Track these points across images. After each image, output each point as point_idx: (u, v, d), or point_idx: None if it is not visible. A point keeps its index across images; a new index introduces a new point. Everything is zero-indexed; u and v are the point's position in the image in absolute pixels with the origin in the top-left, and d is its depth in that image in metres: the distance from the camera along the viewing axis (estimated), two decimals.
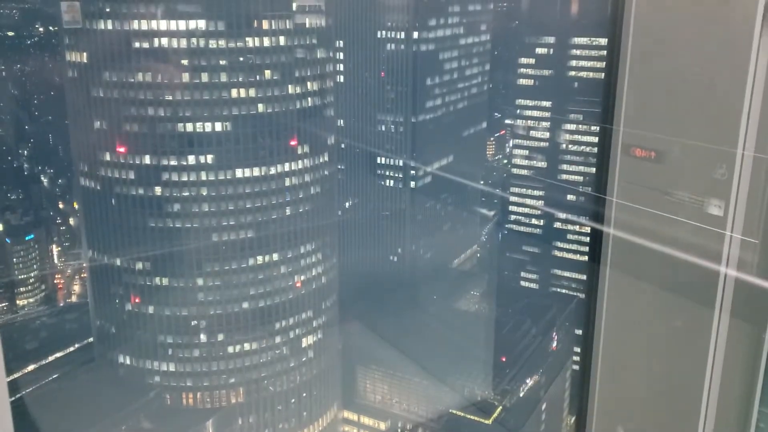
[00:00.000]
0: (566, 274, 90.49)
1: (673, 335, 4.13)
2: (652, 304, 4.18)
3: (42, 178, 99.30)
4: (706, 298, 3.81)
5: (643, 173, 4.01)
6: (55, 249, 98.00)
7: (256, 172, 60.94)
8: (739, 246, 3.60)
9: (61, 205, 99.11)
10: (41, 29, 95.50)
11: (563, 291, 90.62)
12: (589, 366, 4.75)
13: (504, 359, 77.12)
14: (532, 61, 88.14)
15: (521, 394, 76.55)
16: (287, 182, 62.78)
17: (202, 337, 62.92)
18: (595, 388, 4.62)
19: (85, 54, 58.15)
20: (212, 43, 57.53)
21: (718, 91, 3.68)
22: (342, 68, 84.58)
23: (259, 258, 62.92)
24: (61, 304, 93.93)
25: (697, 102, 3.75)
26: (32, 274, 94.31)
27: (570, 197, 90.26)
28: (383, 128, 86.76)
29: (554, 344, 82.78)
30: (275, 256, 63.68)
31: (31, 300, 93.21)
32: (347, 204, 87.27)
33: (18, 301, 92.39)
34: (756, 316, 3.77)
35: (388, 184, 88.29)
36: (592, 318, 4.64)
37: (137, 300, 62.22)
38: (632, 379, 4.40)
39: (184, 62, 57.75)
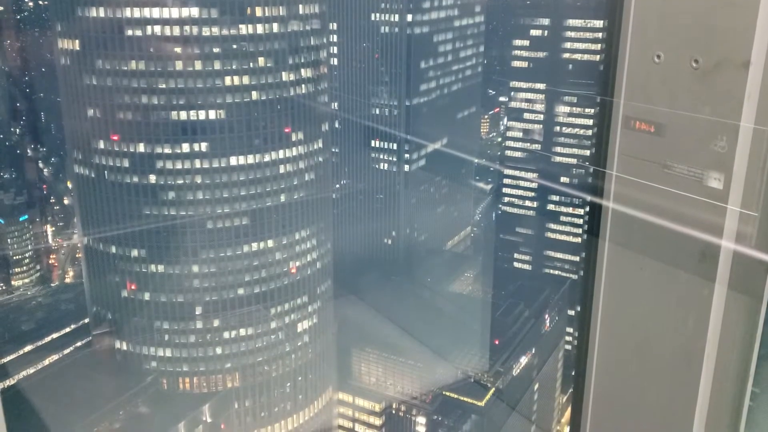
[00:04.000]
0: (559, 255, 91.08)
1: (670, 308, 4.38)
2: (650, 277, 4.42)
3: (35, 157, 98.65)
4: (704, 271, 4.05)
5: (643, 147, 4.22)
6: (49, 229, 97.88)
7: (250, 159, 60.86)
8: (738, 219, 3.83)
9: (55, 185, 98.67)
10: (30, 3, 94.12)
11: (556, 272, 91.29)
12: (586, 340, 5.02)
13: (497, 342, 77.90)
14: (526, 42, 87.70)
15: (514, 375, 77.48)
16: (281, 169, 62.75)
17: (198, 323, 63.36)
18: (592, 362, 4.90)
19: (77, 41, 57.62)
20: (205, 31, 57.04)
21: (719, 62, 3.88)
22: (336, 51, 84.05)
23: (254, 245, 63.14)
24: (57, 285, 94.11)
25: (698, 74, 3.96)
26: (27, 255, 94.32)
27: (564, 178, 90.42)
28: (377, 111, 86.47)
29: (547, 325, 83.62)
30: (270, 243, 63.90)
31: (26, 280, 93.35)
32: (338, 185, 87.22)
33: (13, 282, 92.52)
34: (754, 289, 4.03)
35: (382, 167, 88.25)
36: (590, 292, 4.89)
37: (133, 287, 62.49)
38: (629, 351, 4.67)
39: (178, 50, 57.30)
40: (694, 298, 4.02)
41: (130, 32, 56.18)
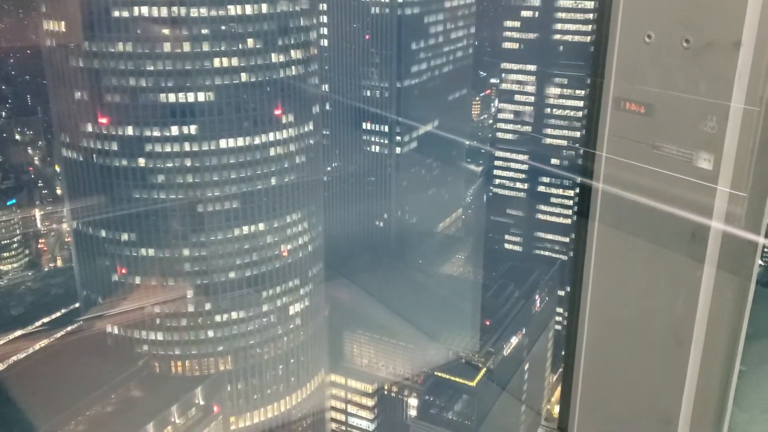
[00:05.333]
0: (549, 236, 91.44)
1: (660, 288, 4.41)
2: (640, 257, 4.44)
3: (22, 141, 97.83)
4: (694, 251, 4.08)
5: (633, 127, 4.22)
6: (38, 213, 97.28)
7: (240, 142, 60.49)
8: (728, 199, 3.86)
9: (43, 169, 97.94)
10: None
11: (546, 253, 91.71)
12: (576, 320, 5.04)
13: (488, 322, 78.35)
14: (517, 24, 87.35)
15: (505, 355, 78.03)
16: (272, 152, 62.42)
17: (190, 307, 63.32)
18: (582, 342, 4.93)
19: (63, 23, 56.86)
20: (194, 12, 56.37)
21: (709, 42, 3.86)
22: (326, 32, 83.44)
23: (245, 228, 62.97)
24: (46, 269, 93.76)
25: (689, 54, 3.94)
26: (15, 239, 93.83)
27: (554, 160, 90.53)
28: (369, 93, 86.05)
29: (537, 305, 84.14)
30: (261, 226, 63.74)
31: (15, 265, 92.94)
32: (329, 168, 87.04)
33: (2, 266, 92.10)
34: (743, 269, 4.07)
35: (373, 150, 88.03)
36: (579, 273, 4.91)
37: (124, 271, 62.30)
38: (619, 331, 4.71)
39: (165, 31, 56.66)
40: (684, 278, 4.02)
41: (117, 13, 55.46)
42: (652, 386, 4.34)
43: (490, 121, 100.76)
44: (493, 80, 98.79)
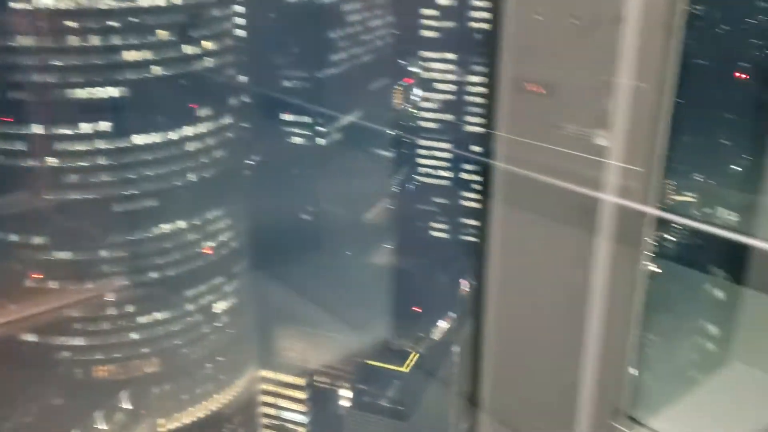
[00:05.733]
0: (474, 222, 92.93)
1: (559, 261, 4.50)
2: (540, 233, 4.53)
3: None
4: (591, 225, 4.16)
5: (532, 108, 4.25)
6: None
7: (155, 138, 58.74)
8: (623, 174, 3.95)
9: None
10: None
11: (472, 239, 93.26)
12: (481, 296, 5.12)
13: (417, 309, 79.34)
14: (435, 12, 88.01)
15: (435, 340, 79.26)
16: (189, 147, 60.93)
17: (111, 310, 61.33)
18: (488, 317, 5.00)
19: None
20: (101, 4, 54.24)
21: (593, 17, 3.88)
22: (243, 23, 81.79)
23: (164, 226, 61.32)
24: None
25: (579, 31, 3.96)
26: None
27: (475, 147, 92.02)
28: (289, 84, 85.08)
29: (464, 289, 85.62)
30: (181, 224, 62.22)
31: None
32: (251, 162, 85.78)
33: None
34: (636, 241, 4.17)
35: (296, 141, 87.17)
36: (484, 250, 4.98)
37: (38, 275, 59.66)
38: (522, 305, 4.79)
39: (72, 24, 54.25)
40: (582, 251, 4.07)
41: (14, 5, 52.70)
42: (556, 355, 4.41)
43: (411, 110, 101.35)
44: (412, 69, 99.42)
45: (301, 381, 76.58)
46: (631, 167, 3.99)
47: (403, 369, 74.90)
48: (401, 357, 76.12)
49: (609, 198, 4.07)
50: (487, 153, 4.76)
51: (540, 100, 4.22)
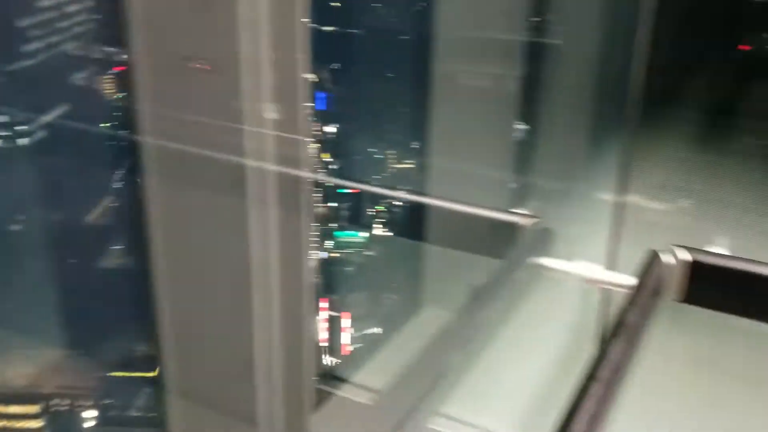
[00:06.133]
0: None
1: (221, 236, 4.40)
2: (199, 207, 4.39)
3: None
4: (251, 194, 4.12)
5: (201, 85, 4.03)
6: None
7: None
8: (295, 145, 3.98)
9: None
10: None
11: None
12: (150, 277, 4.93)
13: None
14: None
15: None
16: None
17: None
18: (160, 298, 4.80)
19: None
20: None
21: None
22: None
23: None
24: None
25: (204, 6, 3.81)
26: None
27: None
28: None
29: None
30: None
31: None
32: None
33: None
34: (305, 209, 4.24)
35: None
36: (145, 234, 4.74)
37: None
38: (190, 283, 4.64)
39: None
40: (245, 222, 4.03)
41: None
42: (230, 333, 4.37)
43: (127, 101, 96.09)
44: (125, 56, 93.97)
45: (33, 409, 69.33)
46: (299, 137, 4.03)
47: (152, 374, 71.71)
48: (148, 362, 72.77)
49: (271, 167, 4.07)
50: (134, 131, 4.47)
51: (207, 78, 4.02)
